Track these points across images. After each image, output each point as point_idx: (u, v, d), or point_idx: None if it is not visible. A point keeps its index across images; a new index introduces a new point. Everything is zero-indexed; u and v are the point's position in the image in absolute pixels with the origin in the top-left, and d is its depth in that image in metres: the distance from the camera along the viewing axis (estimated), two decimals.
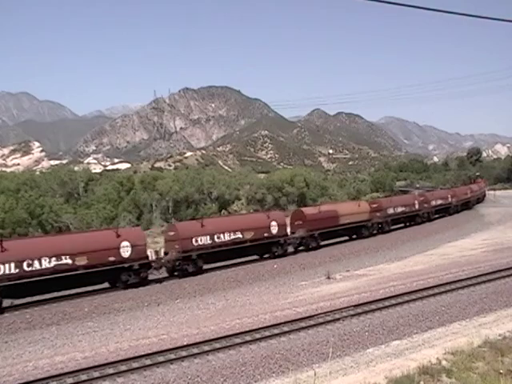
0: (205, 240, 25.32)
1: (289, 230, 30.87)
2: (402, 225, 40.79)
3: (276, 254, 28.45)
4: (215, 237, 25.71)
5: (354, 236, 34.86)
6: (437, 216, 45.81)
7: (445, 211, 47.86)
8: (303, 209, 33.89)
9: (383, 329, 13.89)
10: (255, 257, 28.69)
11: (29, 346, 15.13)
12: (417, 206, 41.70)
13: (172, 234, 25.41)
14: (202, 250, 25.12)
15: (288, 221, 31.60)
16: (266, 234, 28.14)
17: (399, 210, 39.43)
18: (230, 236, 26.33)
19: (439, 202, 46.52)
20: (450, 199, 48.73)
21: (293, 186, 62.38)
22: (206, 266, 25.69)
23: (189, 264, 24.58)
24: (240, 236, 26.77)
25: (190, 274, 24.43)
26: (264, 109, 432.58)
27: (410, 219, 41.46)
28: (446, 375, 10.07)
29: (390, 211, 38.20)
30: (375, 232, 36.27)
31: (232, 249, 26.37)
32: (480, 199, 61.38)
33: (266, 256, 28.69)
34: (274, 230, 28.55)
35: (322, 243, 31.76)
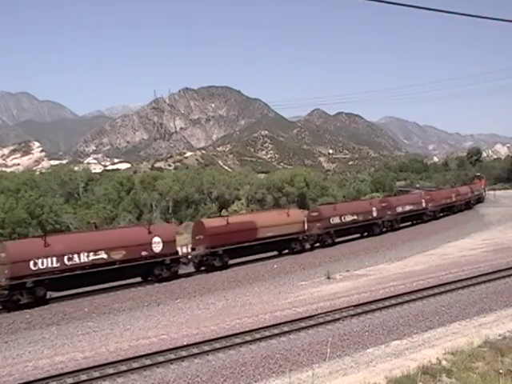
0: (49, 263, 20.36)
1: (187, 246, 26.99)
2: (354, 236, 35.46)
3: (160, 277, 23.70)
4: (65, 258, 20.77)
5: (286, 251, 29.86)
6: (405, 225, 40.62)
7: (416, 218, 42.51)
8: (204, 220, 28.44)
9: (383, 329, 13.89)
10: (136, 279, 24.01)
11: (29, 346, 15.14)
12: (374, 214, 35.99)
13: (3, 255, 20.44)
14: (45, 275, 20.28)
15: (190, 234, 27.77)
16: (144, 253, 23.18)
17: (348, 218, 33.76)
18: (88, 257, 21.40)
19: (408, 208, 40.59)
20: (423, 204, 42.71)
21: (293, 186, 62.46)
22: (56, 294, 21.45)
23: (22, 294, 19.81)
24: (104, 256, 21.81)
25: (25, 306, 19.80)
26: (264, 109, 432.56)
27: (366, 229, 36.00)
28: (446, 375, 10.07)
29: (335, 221, 32.73)
30: (317, 245, 31.58)
31: (93, 272, 21.49)
32: (472, 203, 54.75)
33: (150, 279, 24.10)
34: (157, 247, 23.63)
35: (235, 261, 27.09)
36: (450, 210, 48.10)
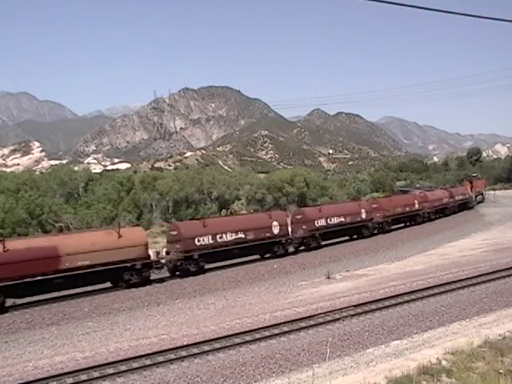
0: None
1: None
2: (243, 259, 27.51)
3: None
4: None
5: (122, 284, 22.90)
6: (329, 242, 32.47)
7: (354, 233, 34.61)
8: None
9: (383, 329, 13.90)
10: None
11: (29, 345, 15.14)
12: (276, 231, 28.29)
13: None
14: None
15: None
16: None
17: (229, 238, 25.98)
18: None
19: (336, 220, 32.40)
20: (363, 215, 34.52)
21: (293, 186, 62.40)
22: None
23: None
24: None
25: None
26: (264, 109, 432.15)
27: (262, 249, 28.40)
28: (446, 375, 10.08)
29: (204, 241, 24.99)
30: (178, 273, 24.55)
31: None
32: (450, 210, 47.30)
33: None
34: None
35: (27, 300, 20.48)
36: (411, 219, 40.96)
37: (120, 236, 22.83)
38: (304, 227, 30.49)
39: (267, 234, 28.10)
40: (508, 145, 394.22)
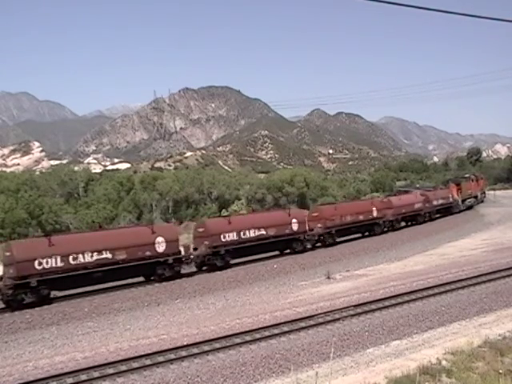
0: None
1: None
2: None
3: None
4: None
5: None
6: (243, 260, 27.17)
7: (283, 246, 29.38)
8: None
9: (383, 329, 13.90)
10: None
11: (29, 345, 15.13)
12: (160, 249, 23.42)
13: None
14: None
15: None
16: None
17: (94, 257, 21.04)
18: None
19: (254, 233, 27.19)
20: (296, 226, 29.40)
21: (293, 186, 62.49)
22: None
23: None
24: None
25: None
26: (264, 109, 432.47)
27: (145, 271, 23.48)
28: (446, 375, 10.08)
29: (46, 264, 19.90)
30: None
31: None
32: (424, 217, 41.84)
33: None
34: None
35: None
36: (367, 229, 35.58)
37: None
38: (206, 243, 25.55)
39: (148, 253, 22.97)
40: (508, 145, 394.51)
